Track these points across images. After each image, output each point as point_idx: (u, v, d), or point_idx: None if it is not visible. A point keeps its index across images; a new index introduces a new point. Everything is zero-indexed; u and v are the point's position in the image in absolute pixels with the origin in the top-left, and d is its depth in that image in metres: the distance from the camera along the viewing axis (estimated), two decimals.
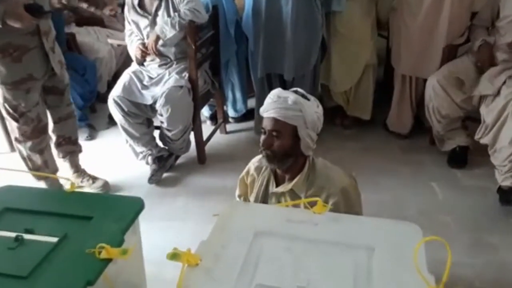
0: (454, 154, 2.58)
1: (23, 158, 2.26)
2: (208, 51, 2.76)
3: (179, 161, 2.79)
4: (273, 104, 1.33)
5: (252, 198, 1.50)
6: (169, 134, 2.55)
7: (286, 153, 1.35)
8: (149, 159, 2.62)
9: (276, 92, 1.37)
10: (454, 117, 2.48)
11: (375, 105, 3.00)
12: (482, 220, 2.16)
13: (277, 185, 1.45)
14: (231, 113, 3.22)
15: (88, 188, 2.51)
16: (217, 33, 2.76)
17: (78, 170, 2.53)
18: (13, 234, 1.17)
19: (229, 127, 3.18)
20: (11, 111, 2.11)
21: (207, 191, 2.49)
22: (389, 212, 2.24)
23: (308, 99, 1.36)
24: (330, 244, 1.09)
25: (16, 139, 2.21)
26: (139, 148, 2.61)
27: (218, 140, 3.01)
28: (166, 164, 2.66)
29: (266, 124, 1.35)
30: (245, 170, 1.55)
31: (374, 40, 2.82)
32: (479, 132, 2.31)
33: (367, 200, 2.29)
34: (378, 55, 2.94)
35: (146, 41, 2.50)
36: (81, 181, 2.51)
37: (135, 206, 1.24)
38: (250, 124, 3.12)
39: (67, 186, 2.40)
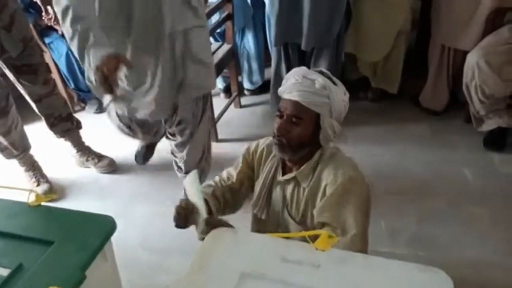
0: (492, 136, 2.35)
1: None
2: (221, 16, 2.53)
3: None
4: (298, 86, 1.16)
5: (258, 185, 1.36)
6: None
7: (302, 143, 1.20)
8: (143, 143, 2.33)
9: (301, 72, 1.19)
10: (499, 96, 2.21)
11: (405, 77, 2.72)
12: None
13: (283, 174, 1.31)
14: (246, 85, 3.02)
15: (94, 167, 2.42)
16: None
17: (81, 148, 2.41)
18: None
19: (244, 100, 2.99)
20: None
21: (218, 173, 2.32)
22: (413, 202, 2.05)
23: (335, 84, 1.19)
24: None
25: None
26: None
27: (232, 115, 2.83)
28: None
29: (286, 107, 1.17)
30: (252, 148, 1.37)
31: (411, 2, 2.52)
32: None
33: (388, 187, 2.12)
34: (411, 19, 2.62)
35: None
36: (86, 160, 2.41)
37: (104, 229, 1.08)
38: (267, 96, 2.91)
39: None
